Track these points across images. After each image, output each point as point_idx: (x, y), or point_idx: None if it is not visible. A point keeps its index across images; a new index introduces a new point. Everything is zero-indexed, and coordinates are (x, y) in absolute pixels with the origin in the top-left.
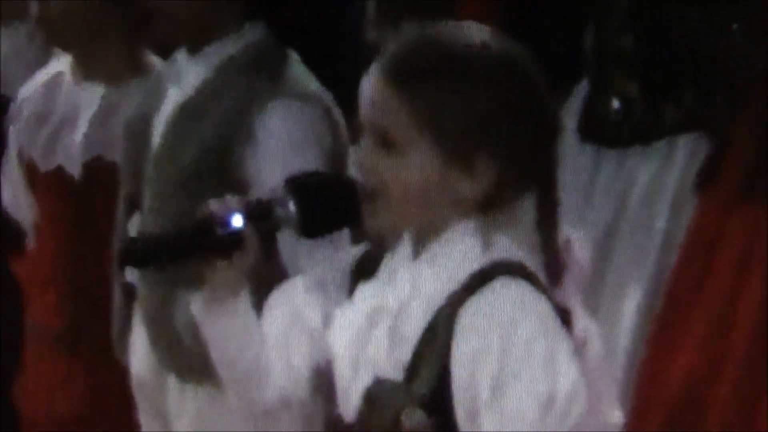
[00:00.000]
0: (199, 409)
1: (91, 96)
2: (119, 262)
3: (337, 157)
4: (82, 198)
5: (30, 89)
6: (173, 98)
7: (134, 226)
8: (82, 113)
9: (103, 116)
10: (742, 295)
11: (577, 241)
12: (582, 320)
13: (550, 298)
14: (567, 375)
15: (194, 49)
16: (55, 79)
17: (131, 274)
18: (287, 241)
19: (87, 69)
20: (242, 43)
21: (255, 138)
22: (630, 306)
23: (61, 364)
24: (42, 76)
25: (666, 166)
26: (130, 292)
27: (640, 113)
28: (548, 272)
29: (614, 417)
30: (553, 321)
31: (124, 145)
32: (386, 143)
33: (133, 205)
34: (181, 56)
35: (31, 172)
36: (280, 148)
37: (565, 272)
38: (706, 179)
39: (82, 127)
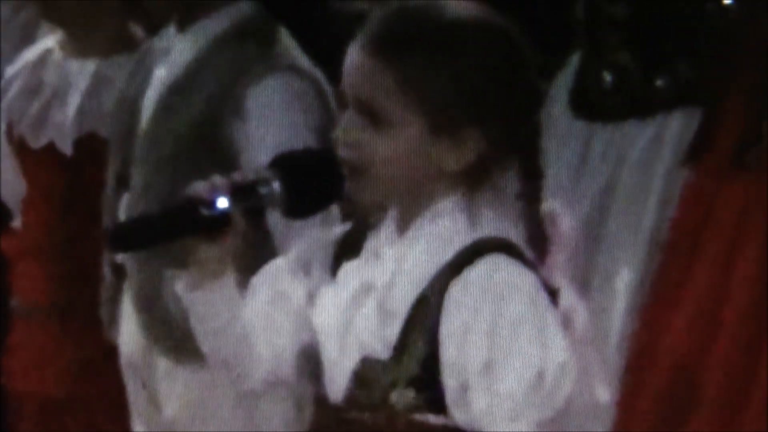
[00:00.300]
0: (188, 389)
1: (82, 72)
2: (108, 246)
3: (326, 130)
4: (73, 174)
5: (18, 66)
6: (162, 75)
7: (123, 204)
8: (73, 89)
9: (95, 92)
10: (735, 269)
11: (562, 213)
12: (569, 296)
13: (538, 274)
14: (556, 351)
15: (183, 25)
16: (44, 56)
17: (120, 255)
18: (279, 221)
19: (78, 44)
20: (231, 18)
21: (244, 112)
22: (622, 283)
23: (49, 341)
24: (30, 52)
25: (659, 140)
26: (119, 272)
27: (633, 85)
28: (533, 245)
29: (603, 396)
30: (541, 297)
31: (112, 122)
32: (371, 115)
33: (122, 183)
34: (170, 32)
35: (20, 148)
36: (270, 121)
37: (550, 245)
38: (697, 152)
39: (73, 103)
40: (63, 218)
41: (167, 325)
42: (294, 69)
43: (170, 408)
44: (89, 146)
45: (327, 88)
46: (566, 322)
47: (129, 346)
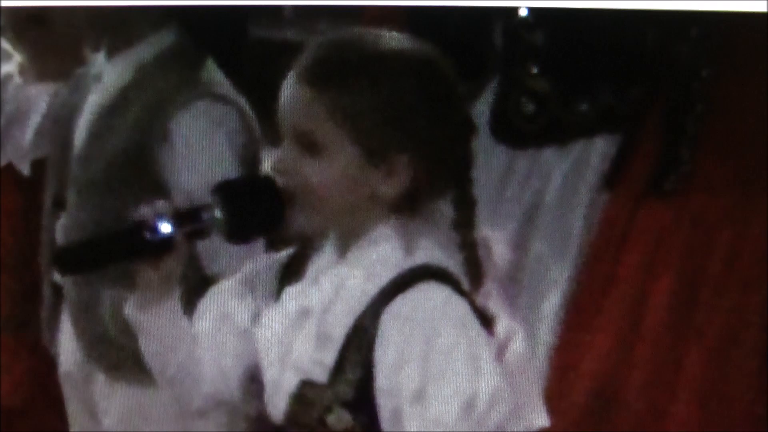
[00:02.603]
0: (126, 405)
1: (41, 95)
2: (54, 268)
3: (250, 158)
4: (31, 194)
5: None
6: (94, 100)
7: (59, 226)
8: (32, 112)
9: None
10: (652, 290)
11: (496, 240)
12: (505, 321)
13: (472, 301)
14: (488, 378)
15: (112, 52)
16: (5, 80)
17: (59, 275)
18: (209, 247)
19: (37, 69)
20: (156, 47)
21: (170, 139)
22: (549, 306)
23: (6, 351)
24: None
25: (581, 165)
26: (58, 290)
27: (552, 111)
28: (469, 272)
29: (539, 419)
30: (474, 325)
31: (48, 143)
32: (307, 145)
33: (58, 205)
34: (101, 59)
35: None
36: (195, 147)
37: (485, 272)
38: (616, 176)
39: (32, 126)
40: (20, 237)
41: (105, 344)
42: (218, 96)
43: (108, 421)
44: (46, 167)
45: (251, 114)
46: (502, 350)
47: (68, 362)
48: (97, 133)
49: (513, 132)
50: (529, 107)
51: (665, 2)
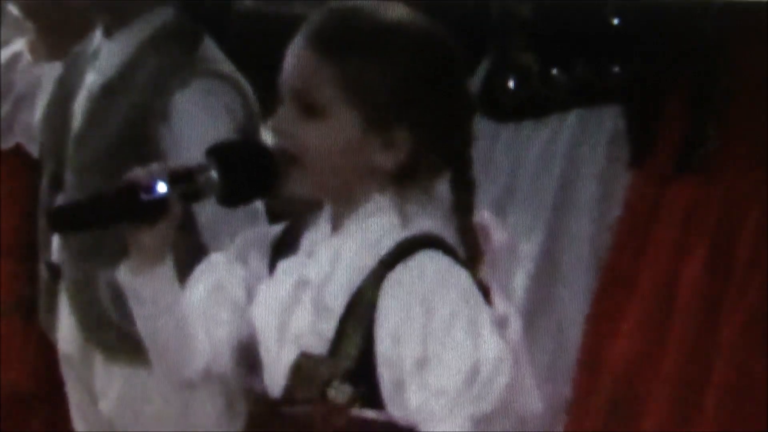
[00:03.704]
0: (124, 386)
1: (51, 74)
2: (48, 226)
3: (249, 134)
4: (40, 175)
5: None
6: (92, 79)
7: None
8: (41, 91)
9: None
10: (683, 270)
11: (494, 222)
12: (502, 302)
13: (472, 273)
14: (490, 345)
15: (110, 30)
16: (14, 59)
17: (56, 255)
18: (207, 216)
19: (47, 47)
20: (154, 25)
21: (169, 116)
22: (517, 283)
23: (16, 337)
24: (2, 55)
25: (555, 139)
26: (55, 271)
27: (534, 85)
28: (467, 253)
29: (533, 405)
30: (475, 294)
31: (45, 125)
32: (307, 107)
33: (56, 184)
34: (98, 37)
35: None
36: (194, 124)
37: (483, 254)
38: (640, 154)
39: (40, 106)
40: (31, 217)
41: (102, 324)
42: (217, 73)
43: (106, 402)
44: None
45: (250, 92)
46: (500, 326)
47: (66, 343)
48: (95, 113)
49: (496, 107)
50: (512, 83)
51: None
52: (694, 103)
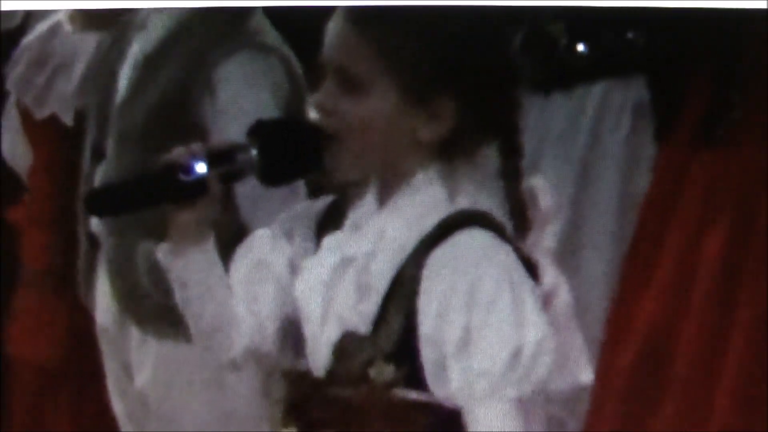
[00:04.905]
0: (159, 359)
1: (88, 44)
2: (86, 210)
3: (294, 107)
4: (74, 144)
5: (31, 38)
6: (138, 49)
7: (98, 175)
8: (78, 61)
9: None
10: (704, 245)
11: (542, 189)
12: (550, 272)
13: (517, 249)
14: (534, 326)
15: None
16: (54, 28)
17: (96, 225)
18: (248, 194)
19: (86, 17)
20: None
21: (213, 87)
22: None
23: (46, 308)
24: (43, 25)
25: (581, 111)
26: (94, 242)
27: (560, 57)
28: (514, 222)
29: (583, 375)
30: (519, 272)
31: (88, 93)
32: (349, 84)
33: (98, 154)
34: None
35: (26, 119)
36: (238, 97)
37: (531, 222)
38: (664, 125)
39: (76, 75)
40: (65, 187)
41: (139, 296)
42: (263, 46)
43: (142, 377)
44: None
45: (295, 65)
46: (547, 300)
47: (104, 315)
48: (139, 82)
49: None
50: (540, 53)
51: None
52: (719, 74)
